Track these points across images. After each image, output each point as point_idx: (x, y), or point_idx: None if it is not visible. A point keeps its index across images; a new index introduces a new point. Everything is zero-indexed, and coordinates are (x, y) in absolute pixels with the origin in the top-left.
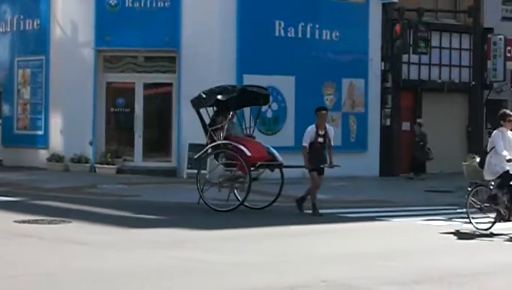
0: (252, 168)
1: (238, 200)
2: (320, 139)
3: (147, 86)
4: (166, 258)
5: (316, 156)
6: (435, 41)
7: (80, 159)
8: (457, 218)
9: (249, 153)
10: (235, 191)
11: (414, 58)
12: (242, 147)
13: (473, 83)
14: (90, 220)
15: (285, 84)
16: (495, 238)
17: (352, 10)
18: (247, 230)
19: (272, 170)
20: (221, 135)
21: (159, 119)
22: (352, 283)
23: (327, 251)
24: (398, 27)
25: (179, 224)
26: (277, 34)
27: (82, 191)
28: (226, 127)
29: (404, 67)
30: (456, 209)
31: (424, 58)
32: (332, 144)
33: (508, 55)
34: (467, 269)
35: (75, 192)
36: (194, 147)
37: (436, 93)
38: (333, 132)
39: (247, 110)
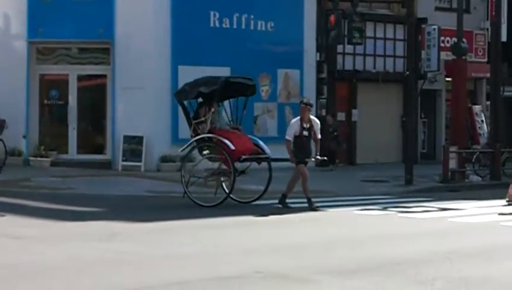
0: (237, 162)
1: (225, 192)
2: (306, 133)
3: (81, 78)
4: (99, 250)
5: (302, 149)
6: (369, 32)
7: (13, 152)
8: (392, 207)
9: (232, 147)
10: (223, 185)
11: (349, 48)
12: (226, 141)
13: (407, 73)
14: (23, 213)
15: (220, 75)
16: (432, 226)
17: (287, 1)
18: (183, 222)
19: (259, 163)
20: (205, 128)
21: (93, 111)
22: (288, 273)
23: (263, 241)
24: (332, 18)
25: (113, 216)
26: (212, 25)
27: (16, 184)
28: (209, 119)
29: (339, 57)
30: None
31: (359, 49)
32: (319, 137)
33: (442, 45)
34: (403, 257)
35: (8, 185)
36: (128, 139)
37: (371, 84)
38: (319, 124)
39: (233, 102)
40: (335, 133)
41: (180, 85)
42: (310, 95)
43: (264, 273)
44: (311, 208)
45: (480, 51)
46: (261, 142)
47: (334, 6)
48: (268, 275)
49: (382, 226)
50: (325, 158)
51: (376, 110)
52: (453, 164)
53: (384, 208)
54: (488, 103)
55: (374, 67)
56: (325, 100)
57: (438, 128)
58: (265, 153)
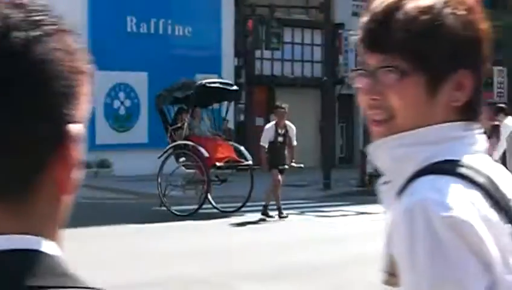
0: (217, 170)
1: (211, 203)
2: (280, 139)
3: None
4: None
5: (276, 155)
6: (287, 37)
7: None
8: (310, 212)
9: (206, 154)
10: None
11: (267, 54)
12: (200, 148)
13: (325, 78)
14: None
15: (138, 81)
16: (350, 230)
17: (204, 6)
18: (96, 229)
19: (237, 170)
20: (182, 135)
21: None
22: (208, 278)
23: (185, 247)
24: (250, 23)
25: None
26: (129, 29)
27: None
28: (186, 126)
29: (257, 63)
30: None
31: (277, 54)
32: (295, 144)
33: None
34: (322, 262)
35: None
36: None
37: (289, 89)
38: (295, 130)
39: (216, 108)
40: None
41: (97, 91)
42: None
43: (184, 279)
44: (280, 216)
45: None
46: (243, 150)
47: (252, 11)
48: (188, 280)
49: (301, 231)
50: (302, 165)
51: (294, 115)
52: (370, 168)
53: (303, 213)
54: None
55: (292, 73)
56: (243, 105)
57: (356, 133)
58: (246, 161)
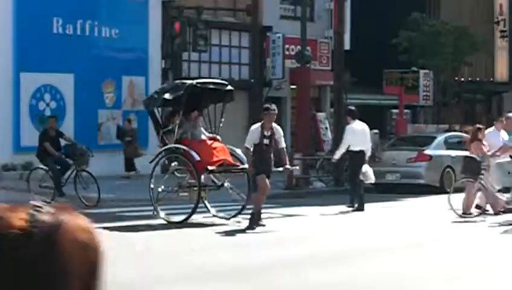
0: (209, 174)
1: (207, 208)
2: (266, 141)
3: None
4: None
5: (262, 159)
6: (214, 40)
7: None
8: (238, 214)
9: (198, 158)
10: (203, 199)
11: (194, 56)
12: (192, 152)
13: (253, 80)
14: None
15: (64, 82)
16: (277, 232)
17: (131, 8)
18: None
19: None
20: (173, 138)
21: None
22: (132, 282)
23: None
24: (177, 25)
25: None
26: (55, 31)
27: None
28: (177, 128)
29: (185, 65)
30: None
31: (204, 56)
32: (283, 146)
33: (287, 53)
34: (249, 264)
35: None
36: None
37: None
38: (281, 132)
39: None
40: (129, 139)
41: (22, 92)
42: None
43: (106, 283)
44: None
45: (324, 59)
46: (240, 153)
47: (179, 13)
48: (110, 285)
49: (227, 233)
50: (297, 167)
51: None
52: (297, 170)
53: (229, 215)
54: (332, 110)
55: (220, 75)
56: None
57: (284, 135)
58: (242, 164)
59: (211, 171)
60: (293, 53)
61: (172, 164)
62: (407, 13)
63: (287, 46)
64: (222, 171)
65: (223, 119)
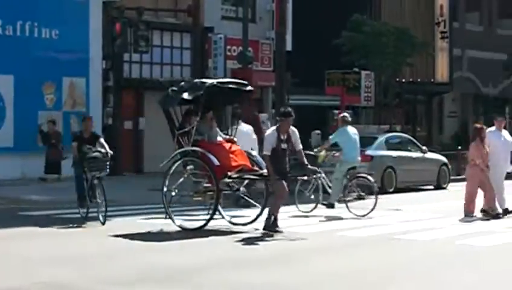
0: (228, 179)
1: (221, 215)
2: (283, 145)
3: None
4: None
5: (278, 164)
6: (156, 40)
7: None
8: (178, 216)
9: (216, 162)
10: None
11: (136, 57)
12: (210, 155)
13: None
14: None
15: (3, 84)
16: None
17: (72, 8)
18: None
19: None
20: (189, 140)
21: None
22: (70, 283)
23: (44, 253)
24: (118, 26)
25: None
26: None
27: None
28: (194, 130)
29: (126, 66)
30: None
31: (146, 57)
32: (301, 148)
33: (228, 53)
34: (187, 265)
35: None
36: None
37: (158, 92)
38: (297, 134)
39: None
40: (53, 142)
41: None
42: (96, 103)
43: (45, 284)
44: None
45: (266, 60)
46: (258, 158)
47: (120, 14)
48: (49, 285)
49: (167, 234)
50: (319, 171)
51: (163, 118)
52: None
53: (168, 217)
54: (274, 111)
55: (161, 76)
56: (111, 109)
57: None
58: (261, 170)
59: (230, 177)
60: (234, 54)
61: (188, 168)
62: (349, 14)
63: (228, 47)
64: (242, 178)
65: (240, 121)
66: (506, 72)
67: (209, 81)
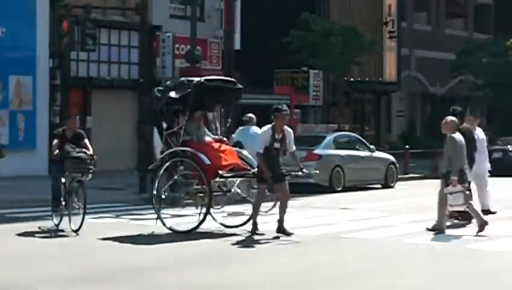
0: (220, 179)
1: (212, 217)
2: (277, 145)
3: None
4: None
5: (271, 164)
6: (103, 39)
7: None
8: (125, 215)
9: (208, 162)
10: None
11: (83, 55)
12: (201, 155)
13: (142, 80)
14: None
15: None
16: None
17: (19, 6)
18: None
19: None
20: (179, 140)
21: None
22: (16, 282)
23: None
24: (65, 24)
25: None
26: None
27: None
28: (183, 130)
29: (73, 64)
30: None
31: (93, 55)
32: (294, 148)
33: (177, 52)
34: (131, 265)
35: None
36: None
37: (106, 90)
38: (292, 134)
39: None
40: None
41: None
42: (43, 102)
43: None
44: (255, 232)
45: (214, 59)
46: (249, 156)
47: (67, 12)
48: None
49: (115, 234)
50: (317, 171)
51: (111, 116)
52: None
53: (118, 216)
54: (222, 110)
55: (109, 74)
56: (58, 107)
57: None
58: (252, 168)
59: (222, 177)
60: (183, 52)
61: (178, 169)
62: (299, 13)
63: (177, 45)
64: (234, 177)
65: (229, 120)
66: (453, 71)
67: (196, 79)
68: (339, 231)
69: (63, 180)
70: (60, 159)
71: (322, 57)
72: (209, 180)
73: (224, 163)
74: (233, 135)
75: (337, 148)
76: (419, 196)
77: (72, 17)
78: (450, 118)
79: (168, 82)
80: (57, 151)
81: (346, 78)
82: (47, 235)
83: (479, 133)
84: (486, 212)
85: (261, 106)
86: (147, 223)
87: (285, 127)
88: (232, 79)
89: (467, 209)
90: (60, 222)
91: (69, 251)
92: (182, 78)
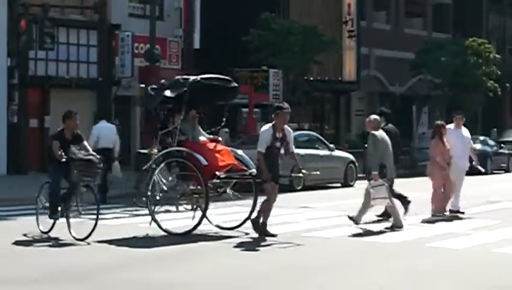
0: (217, 180)
1: (208, 220)
2: (278, 144)
3: None
4: None
5: (272, 164)
6: (62, 38)
7: None
8: (85, 214)
9: (204, 162)
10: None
11: (42, 54)
12: (197, 155)
13: (101, 79)
14: None
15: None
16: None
17: None
18: None
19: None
20: (174, 140)
21: None
22: None
23: None
24: (23, 22)
25: None
26: None
27: None
28: (178, 130)
29: (31, 63)
30: None
31: (52, 54)
32: (293, 149)
33: (136, 51)
34: (87, 264)
35: None
36: None
37: (65, 90)
38: (292, 134)
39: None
40: None
41: None
42: (1, 101)
43: None
44: (268, 234)
45: (173, 58)
46: (245, 157)
47: (25, 10)
48: None
49: (74, 234)
50: (318, 172)
51: None
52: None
53: (78, 215)
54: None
55: (67, 74)
56: (16, 107)
57: (133, 134)
58: (249, 169)
59: (219, 177)
60: (142, 52)
61: (173, 170)
62: (258, 12)
63: (136, 44)
64: (231, 178)
65: (224, 119)
66: (412, 71)
67: (192, 77)
68: (298, 230)
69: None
70: (64, 161)
71: (281, 56)
72: (206, 181)
73: (221, 164)
74: None
75: (296, 147)
76: None
77: (30, 16)
78: (374, 116)
79: (163, 80)
80: (62, 153)
81: (306, 77)
82: (47, 244)
83: (464, 132)
84: (456, 212)
85: (220, 104)
86: (107, 222)
87: (285, 126)
88: (227, 77)
89: (387, 208)
90: (52, 228)
91: (26, 250)
92: (177, 77)
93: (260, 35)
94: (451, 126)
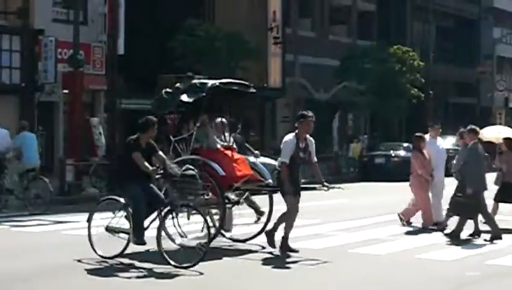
0: (235, 191)
1: (222, 234)
2: (302, 154)
3: None
4: None
5: (295, 176)
6: None
7: None
8: (6, 221)
9: (222, 172)
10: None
11: None
12: (213, 164)
13: (24, 85)
14: None
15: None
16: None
17: None
18: None
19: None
20: (188, 148)
21: None
22: None
23: None
24: None
25: None
26: None
27: None
28: (193, 137)
29: None
30: None
31: None
32: (315, 159)
33: (59, 57)
34: (15, 272)
35: None
36: None
37: None
38: (314, 143)
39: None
40: None
41: None
42: None
43: None
44: (292, 250)
45: (98, 64)
46: (260, 166)
47: None
48: None
49: None
50: (342, 187)
51: None
52: (69, 176)
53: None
54: (106, 115)
55: None
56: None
57: (56, 141)
58: (265, 180)
59: (237, 189)
60: (65, 57)
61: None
62: (184, 18)
63: (59, 50)
64: (249, 190)
65: (239, 126)
66: (337, 77)
67: (210, 81)
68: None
69: None
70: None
71: (207, 62)
72: (223, 192)
73: (238, 174)
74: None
75: None
76: (302, 202)
77: None
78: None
79: (178, 84)
80: (145, 165)
81: None
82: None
83: (440, 143)
84: (440, 224)
85: (145, 111)
86: (30, 229)
87: (307, 135)
88: (246, 82)
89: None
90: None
91: None
92: (194, 81)
93: (185, 42)
94: (426, 136)
